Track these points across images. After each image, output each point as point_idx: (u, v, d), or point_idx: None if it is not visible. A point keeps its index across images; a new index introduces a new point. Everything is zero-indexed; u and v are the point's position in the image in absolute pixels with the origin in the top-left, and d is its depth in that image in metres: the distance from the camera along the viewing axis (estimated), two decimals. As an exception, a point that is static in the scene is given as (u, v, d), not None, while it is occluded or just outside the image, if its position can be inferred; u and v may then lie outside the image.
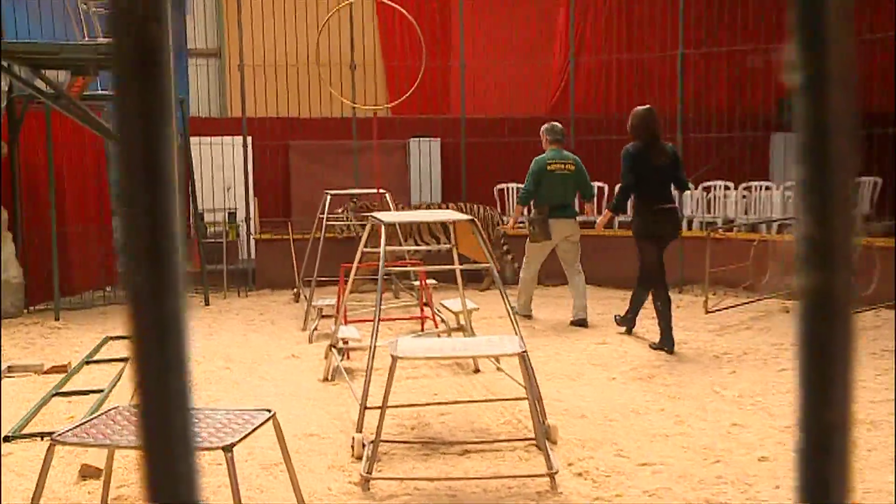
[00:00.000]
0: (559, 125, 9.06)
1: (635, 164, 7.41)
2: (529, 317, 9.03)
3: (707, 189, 12.11)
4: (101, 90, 9.90)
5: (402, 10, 9.70)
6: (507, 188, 12.35)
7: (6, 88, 9.25)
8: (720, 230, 10.63)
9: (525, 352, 4.89)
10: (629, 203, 7.72)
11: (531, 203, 8.86)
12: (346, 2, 10.25)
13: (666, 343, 7.45)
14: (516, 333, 5.25)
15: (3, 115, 9.34)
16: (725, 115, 11.90)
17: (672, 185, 7.63)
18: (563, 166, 8.75)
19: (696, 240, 10.06)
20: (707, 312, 8.90)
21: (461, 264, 6.81)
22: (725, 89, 12.77)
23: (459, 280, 7.15)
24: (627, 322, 8.17)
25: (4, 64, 6.31)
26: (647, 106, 7.68)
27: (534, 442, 5.15)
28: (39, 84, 7.83)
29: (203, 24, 13.18)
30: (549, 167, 8.73)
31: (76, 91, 7.27)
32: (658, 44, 12.03)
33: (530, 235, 8.80)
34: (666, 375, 6.75)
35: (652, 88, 12.24)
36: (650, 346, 7.62)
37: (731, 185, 11.94)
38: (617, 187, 7.93)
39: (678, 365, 7.07)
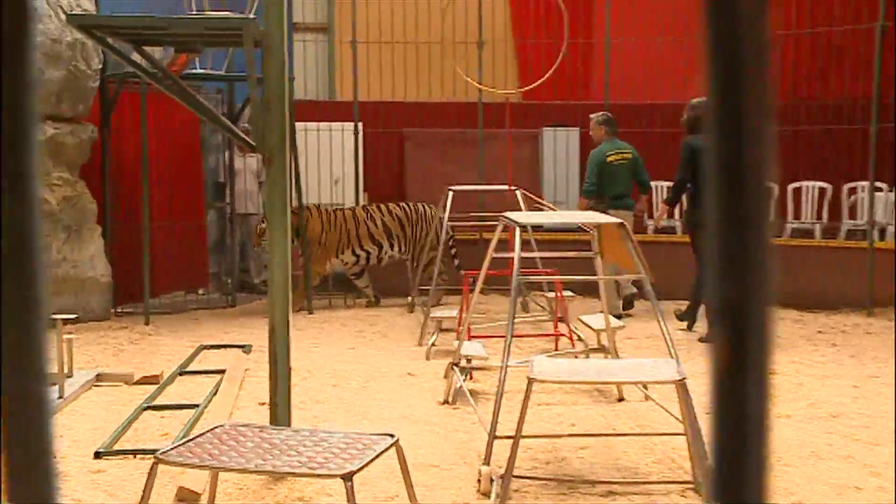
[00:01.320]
0: (612, 115, 10.28)
1: (696, 157, 8.74)
2: (619, 317, 9.32)
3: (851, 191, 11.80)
4: (200, 68, 10.22)
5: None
6: (656, 186, 12.20)
7: (100, 67, 9.64)
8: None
9: (684, 379, 4.81)
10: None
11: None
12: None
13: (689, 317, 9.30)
14: (672, 356, 5.17)
15: (97, 96, 9.75)
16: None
17: None
18: (621, 157, 10.05)
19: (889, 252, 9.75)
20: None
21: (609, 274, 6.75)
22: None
23: (603, 292, 7.09)
24: (689, 317, 9.37)
25: (106, 40, 6.56)
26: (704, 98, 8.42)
27: (692, 486, 5.06)
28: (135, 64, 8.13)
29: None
30: (608, 159, 9.97)
31: (177, 69, 7.51)
32: (851, 15, 11.61)
33: None
34: (853, 415, 6.53)
35: (840, 68, 11.87)
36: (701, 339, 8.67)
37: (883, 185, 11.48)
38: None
39: (869, 404, 6.84)
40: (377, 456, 3.70)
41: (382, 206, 11.06)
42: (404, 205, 11.16)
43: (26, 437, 0.61)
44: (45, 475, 0.63)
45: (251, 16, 7.43)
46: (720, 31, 0.59)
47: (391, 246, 10.91)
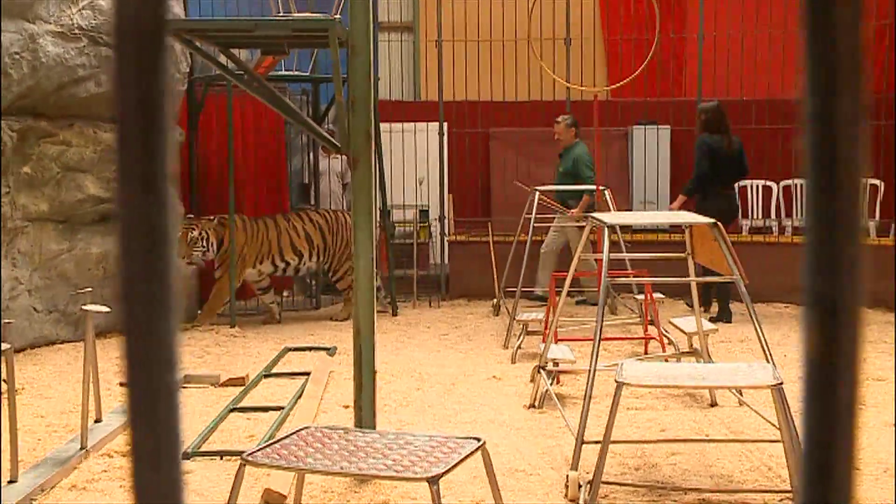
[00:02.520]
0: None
1: (712, 153, 9.72)
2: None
3: None
4: (285, 70, 10.38)
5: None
6: (751, 185, 12.03)
7: (187, 70, 9.85)
8: None
9: (781, 384, 4.75)
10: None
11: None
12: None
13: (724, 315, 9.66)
14: (768, 360, 5.11)
15: (184, 99, 9.96)
16: None
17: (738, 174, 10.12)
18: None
19: None
20: None
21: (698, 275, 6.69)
22: None
23: (695, 295, 7.03)
24: (725, 314, 9.70)
25: (195, 43, 6.73)
26: (717, 101, 10.18)
27: (790, 496, 5.00)
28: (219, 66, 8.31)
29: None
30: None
31: (263, 71, 7.66)
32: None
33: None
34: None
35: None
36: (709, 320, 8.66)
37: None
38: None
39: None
40: (463, 459, 3.72)
41: (303, 215, 10.51)
42: (325, 212, 10.71)
43: (153, 430, 0.65)
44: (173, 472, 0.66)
45: (336, 16, 7.54)
46: (817, 34, 0.61)
47: (310, 256, 10.40)
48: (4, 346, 5.30)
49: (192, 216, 9.35)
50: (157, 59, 0.62)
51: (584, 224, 8.71)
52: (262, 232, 9.98)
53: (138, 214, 0.63)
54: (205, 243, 9.22)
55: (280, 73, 10.25)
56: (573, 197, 10.36)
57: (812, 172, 0.63)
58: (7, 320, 6.60)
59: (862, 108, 0.62)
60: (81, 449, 5.89)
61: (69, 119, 9.14)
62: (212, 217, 9.36)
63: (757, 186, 12.13)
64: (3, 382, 6.00)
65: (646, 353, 8.16)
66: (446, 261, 11.68)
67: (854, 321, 0.62)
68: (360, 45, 5.24)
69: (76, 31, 8.95)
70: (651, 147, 12.21)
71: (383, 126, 11.16)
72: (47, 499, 5.30)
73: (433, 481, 3.49)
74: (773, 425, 5.16)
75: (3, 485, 5.11)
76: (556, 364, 7.14)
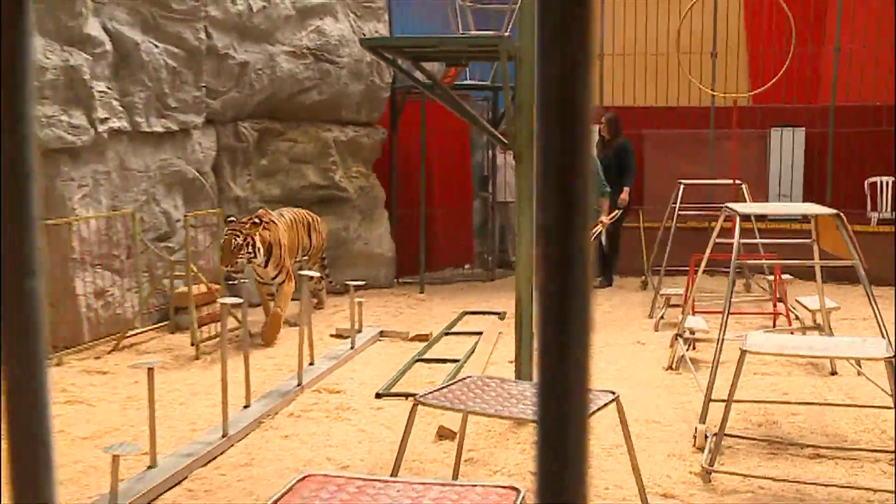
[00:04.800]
0: None
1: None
2: None
3: None
4: (469, 80, 10.44)
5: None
6: (880, 181, 11.40)
7: (390, 80, 10.05)
8: None
9: (893, 357, 4.50)
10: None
11: None
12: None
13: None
14: (884, 336, 4.85)
15: (387, 104, 10.17)
16: None
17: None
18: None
19: None
20: None
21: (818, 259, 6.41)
22: None
23: (819, 276, 6.74)
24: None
25: (389, 57, 6.86)
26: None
27: (897, 456, 4.74)
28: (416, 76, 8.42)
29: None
30: None
31: (449, 81, 7.74)
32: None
33: None
34: None
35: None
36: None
37: None
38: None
39: None
40: (598, 409, 3.70)
41: (286, 213, 8.35)
42: (305, 213, 8.63)
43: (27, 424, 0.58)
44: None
45: (506, 33, 7.53)
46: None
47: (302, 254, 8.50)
48: (239, 300, 5.56)
49: (233, 219, 7.53)
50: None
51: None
52: (293, 228, 8.18)
53: None
54: (251, 249, 7.34)
55: (465, 82, 10.31)
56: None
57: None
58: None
59: None
60: (298, 385, 6.14)
61: (297, 121, 9.47)
62: (257, 220, 7.45)
63: (886, 182, 11.47)
64: (239, 330, 6.29)
65: (774, 326, 7.86)
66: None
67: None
68: (527, 58, 5.23)
69: (304, 51, 9.25)
70: (787, 147, 11.72)
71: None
72: (272, 422, 5.55)
73: (572, 426, 3.48)
74: (888, 394, 4.89)
75: (239, 409, 5.38)
76: (692, 333, 6.99)
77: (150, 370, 4.63)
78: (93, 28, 7.25)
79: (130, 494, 4.29)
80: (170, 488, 4.51)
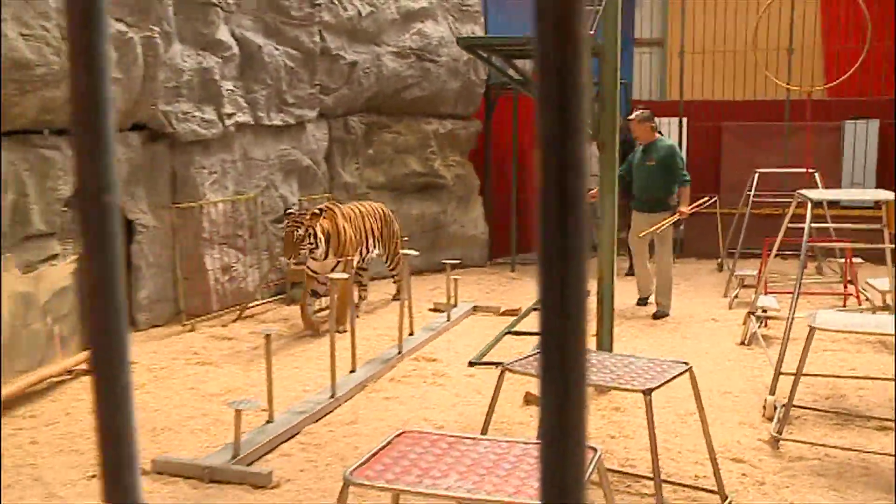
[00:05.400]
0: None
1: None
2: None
3: None
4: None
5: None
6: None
7: (485, 77, 10.04)
8: None
9: (955, 335, 4.33)
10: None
11: None
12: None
13: None
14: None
15: (482, 99, 10.17)
16: None
17: None
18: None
19: None
20: None
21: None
22: None
23: (889, 259, 6.49)
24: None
25: (484, 55, 6.85)
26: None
27: (959, 428, 4.56)
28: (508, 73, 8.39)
29: (650, 16, 13.15)
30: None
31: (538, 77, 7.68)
32: None
33: None
34: None
35: None
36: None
37: None
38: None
39: None
40: (672, 378, 3.66)
41: (357, 206, 7.70)
42: (378, 206, 7.90)
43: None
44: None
45: (591, 32, 7.44)
46: None
47: (375, 246, 7.74)
48: (345, 275, 5.67)
49: (292, 212, 6.93)
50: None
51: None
52: (357, 220, 7.44)
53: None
54: (312, 239, 6.74)
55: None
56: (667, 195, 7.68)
57: None
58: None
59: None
60: (398, 353, 6.22)
61: (400, 115, 9.55)
62: (317, 211, 6.87)
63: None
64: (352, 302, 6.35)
65: (844, 306, 7.61)
66: (681, 227, 11.30)
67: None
68: (609, 55, 5.17)
69: (407, 51, 9.31)
70: (861, 138, 11.28)
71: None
72: (375, 385, 5.65)
73: (647, 392, 3.46)
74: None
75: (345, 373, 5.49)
76: (764, 311, 6.84)
77: (268, 337, 4.77)
78: (223, 34, 7.44)
79: (251, 445, 4.43)
80: (285, 441, 4.64)
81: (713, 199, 9.09)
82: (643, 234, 7.53)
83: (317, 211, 6.88)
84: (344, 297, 6.49)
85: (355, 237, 7.26)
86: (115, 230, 0.53)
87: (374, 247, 7.68)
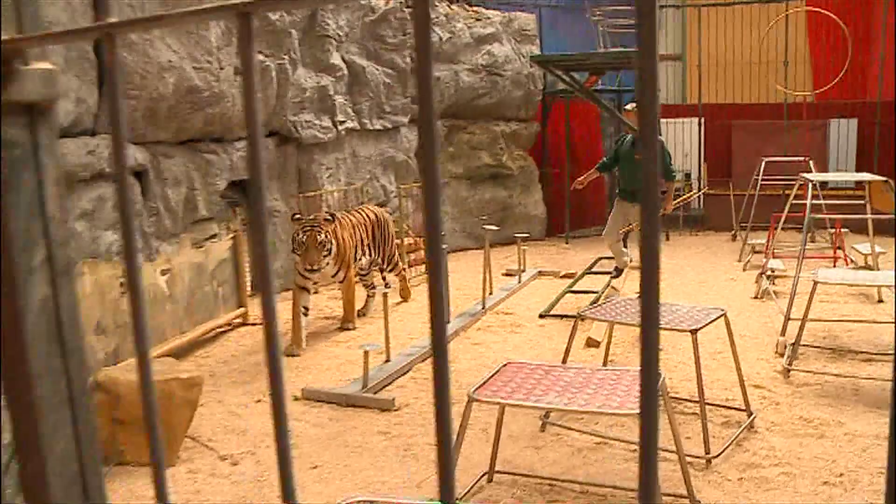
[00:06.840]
0: None
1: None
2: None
3: None
4: (604, 86, 10.35)
5: (832, 16, 8.75)
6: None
7: (542, 87, 10.10)
8: None
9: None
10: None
11: None
12: (783, 15, 9.51)
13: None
14: (924, 274, 4.70)
15: (539, 105, 10.22)
16: None
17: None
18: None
19: None
20: None
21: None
22: None
23: (870, 228, 6.50)
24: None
25: (551, 68, 6.92)
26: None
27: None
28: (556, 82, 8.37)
29: (672, 35, 13.03)
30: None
31: (589, 85, 7.75)
32: None
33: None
34: None
35: None
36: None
37: None
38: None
39: None
40: (712, 321, 3.79)
41: (353, 213, 6.35)
42: (376, 212, 6.51)
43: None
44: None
45: (635, 49, 7.43)
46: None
47: (366, 252, 6.29)
48: (444, 247, 5.80)
49: (299, 217, 5.65)
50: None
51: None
52: (349, 229, 5.99)
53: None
54: (330, 246, 5.52)
55: (597, 87, 10.21)
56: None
57: None
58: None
59: None
60: (482, 308, 6.35)
61: (473, 119, 9.67)
62: (329, 217, 5.60)
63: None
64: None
65: (834, 266, 7.58)
66: (702, 206, 11.29)
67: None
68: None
69: (479, 68, 9.43)
70: (843, 133, 11.07)
71: (662, 120, 10.87)
72: (465, 334, 5.81)
73: (694, 332, 3.61)
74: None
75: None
76: (773, 271, 6.87)
77: (385, 295, 4.99)
78: (335, 59, 7.65)
79: (374, 379, 4.56)
80: (400, 376, 4.79)
81: (700, 193, 9.14)
82: (623, 230, 7.07)
83: (328, 217, 5.61)
84: (351, 298, 5.92)
85: (351, 245, 5.92)
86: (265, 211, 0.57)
87: (364, 255, 6.23)
